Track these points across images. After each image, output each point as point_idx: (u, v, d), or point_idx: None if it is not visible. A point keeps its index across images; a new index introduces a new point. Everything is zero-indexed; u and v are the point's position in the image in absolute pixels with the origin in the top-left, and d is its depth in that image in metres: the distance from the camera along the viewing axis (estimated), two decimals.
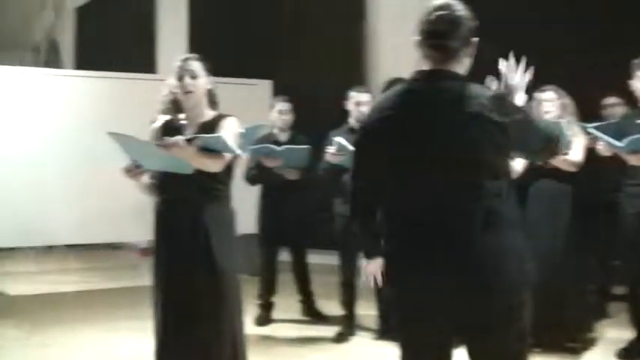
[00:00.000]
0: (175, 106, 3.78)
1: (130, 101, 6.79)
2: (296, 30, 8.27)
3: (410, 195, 2.20)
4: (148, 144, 3.13)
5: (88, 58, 11.90)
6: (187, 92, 3.22)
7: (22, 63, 12.26)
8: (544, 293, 3.33)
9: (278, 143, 5.38)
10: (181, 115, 3.31)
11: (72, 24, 12.97)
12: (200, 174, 3.02)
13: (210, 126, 3.19)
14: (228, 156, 3.11)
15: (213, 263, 3.06)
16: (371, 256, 2.36)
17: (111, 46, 11.24)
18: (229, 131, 3.14)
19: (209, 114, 3.27)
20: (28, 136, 6.78)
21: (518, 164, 4.08)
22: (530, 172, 4.25)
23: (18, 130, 6.76)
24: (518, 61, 2.21)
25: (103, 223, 6.97)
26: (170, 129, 3.26)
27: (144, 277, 6.98)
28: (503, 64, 2.22)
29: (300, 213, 5.40)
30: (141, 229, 6.42)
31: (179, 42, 9.56)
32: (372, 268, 2.35)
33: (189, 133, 3.17)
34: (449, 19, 2.16)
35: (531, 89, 2.30)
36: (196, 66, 3.24)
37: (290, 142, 5.45)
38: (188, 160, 2.96)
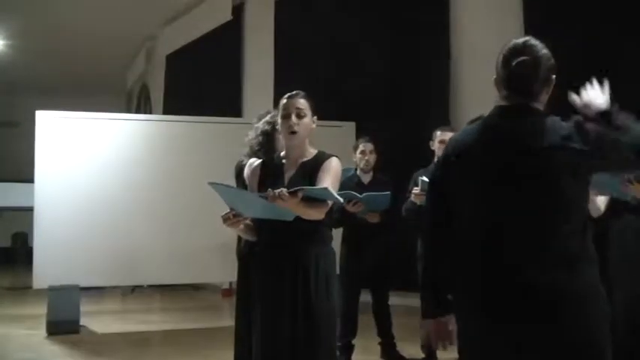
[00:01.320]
0: (269, 145, 3.90)
1: (217, 144, 7.05)
2: (379, 71, 8.37)
3: (481, 233, 2.17)
4: (249, 194, 3.08)
5: (177, 103, 12.43)
6: (292, 133, 3.11)
7: (114, 107, 12.90)
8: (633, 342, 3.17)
9: (361, 184, 5.45)
10: (282, 154, 3.23)
11: (162, 71, 13.56)
12: (302, 218, 2.92)
13: (312, 165, 3.11)
14: (330, 203, 3.01)
15: (311, 307, 2.99)
16: (436, 314, 2.29)
17: (198, 92, 11.71)
18: (332, 173, 3.06)
19: (311, 152, 3.17)
20: (116, 179, 7.11)
21: (601, 202, 3.88)
22: (614, 210, 4.02)
23: (107, 172, 7.11)
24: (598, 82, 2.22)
25: (185, 264, 7.20)
26: (269, 169, 3.20)
27: (225, 319, 7.22)
28: (584, 89, 2.22)
29: (381, 254, 5.41)
30: (223, 271, 6.72)
31: (265, 87, 9.81)
32: (436, 327, 2.28)
33: (289, 174, 3.12)
34: (530, 64, 2.18)
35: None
36: (303, 104, 3.13)
37: (373, 182, 5.50)
38: (291, 210, 2.84)
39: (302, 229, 2.99)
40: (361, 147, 5.58)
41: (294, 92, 3.17)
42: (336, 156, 3.17)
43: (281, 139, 3.84)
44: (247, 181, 3.68)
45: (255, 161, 3.38)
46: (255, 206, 2.94)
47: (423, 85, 7.81)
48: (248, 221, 3.11)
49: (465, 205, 2.23)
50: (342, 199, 3.04)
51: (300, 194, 2.81)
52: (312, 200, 2.89)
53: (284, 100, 3.15)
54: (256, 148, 4.01)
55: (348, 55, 8.72)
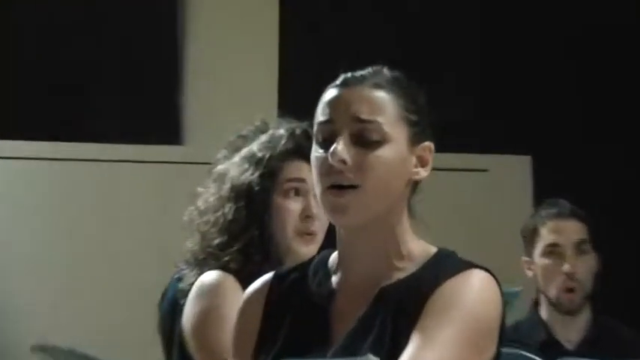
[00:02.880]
0: (252, 229, 3.75)
1: (123, 215, 7.55)
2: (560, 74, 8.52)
3: None
4: None
5: (26, 112, 11.16)
6: (333, 187, 2.70)
7: None
8: None
9: (555, 345, 5.13)
10: (330, 259, 2.76)
11: None
12: None
13: (413, 298, 2.54)
14: None
15: None
16: None
17: (78, 86, 10.38)
18: (459, 321, 2.43)
19: (410, 254, 2.62)
20: None
21: None
22: None
23: None
24: None
25: None
26: (287, 308, 2.77)
27: None
28: None
29: None
30: None
31: (251, 87, 8.39)
32: None
33: (346, 326, 2.56)
34: None
35: None
36: (380, 100, 2.65)
37: (593, 339, 5.17)
38: None
39: None
40: (551, 235, 5.14)
41: (359, 73, 2.75)
42: (483, 267, 2.55)
43: (292, 212, 3.76)
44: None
45: (226, 280, 3.53)
46: None
47: None
48: None
49: None
50: None
51: None
52: None
53: (327, 96, 2.70)
54: (216, 241, 3.68)
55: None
